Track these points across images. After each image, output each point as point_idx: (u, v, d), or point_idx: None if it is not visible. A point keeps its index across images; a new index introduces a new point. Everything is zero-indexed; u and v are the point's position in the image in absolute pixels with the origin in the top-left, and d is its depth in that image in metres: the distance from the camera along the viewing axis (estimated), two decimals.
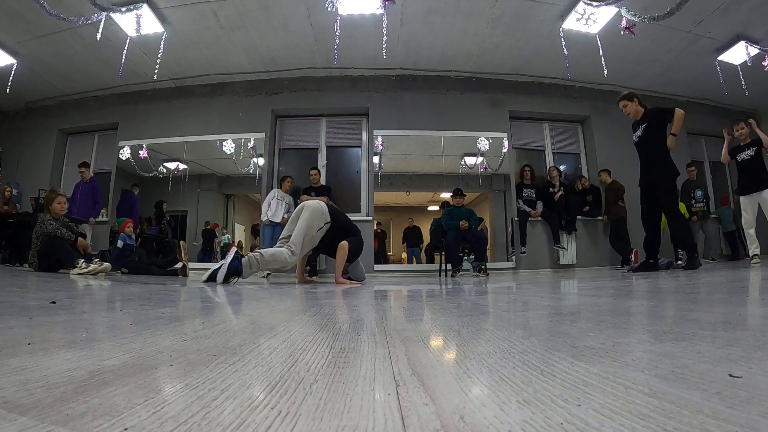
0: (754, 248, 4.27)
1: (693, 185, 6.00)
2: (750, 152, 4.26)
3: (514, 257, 5.92)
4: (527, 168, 6.02)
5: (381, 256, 7.93)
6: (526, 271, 5.84)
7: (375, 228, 6.44)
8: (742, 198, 4.36)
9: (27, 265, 4.07)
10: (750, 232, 4.30)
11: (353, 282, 3.18)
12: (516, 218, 5.96)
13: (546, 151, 6.65)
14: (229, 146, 6.20)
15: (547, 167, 6.46)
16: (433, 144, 6.21)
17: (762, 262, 4.08)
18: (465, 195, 5.22)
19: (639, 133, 3.77)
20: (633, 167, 6.19)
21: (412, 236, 8.25)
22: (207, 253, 6.48)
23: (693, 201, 5.91)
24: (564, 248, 5.80)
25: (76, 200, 5.49)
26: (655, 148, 3.66)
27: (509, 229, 6.18)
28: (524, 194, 5.96)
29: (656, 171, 3.67)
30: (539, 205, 5.89)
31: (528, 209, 5.86)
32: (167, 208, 6.42)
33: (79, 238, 4.11)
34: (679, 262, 4.24)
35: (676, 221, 3.67)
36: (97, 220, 6.12)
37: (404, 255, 8.73)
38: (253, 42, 5.43)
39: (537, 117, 6.58)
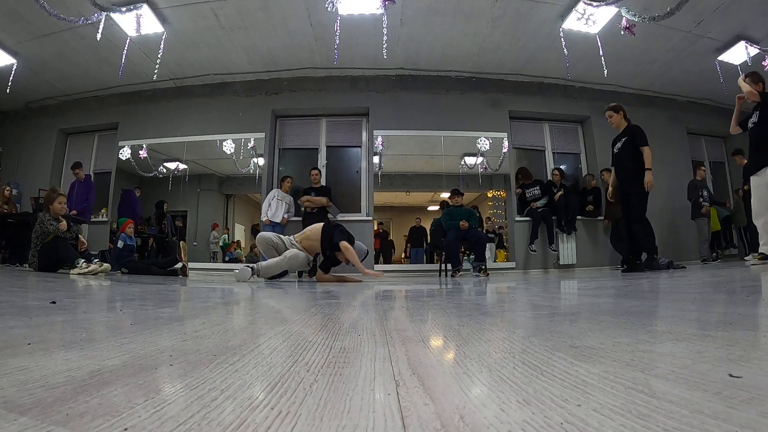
0: (763, 244, 3.45)
1: (700, 185, 5.99)
2: (754, 118, 3.47)
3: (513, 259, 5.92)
4: (520, 173, 6.03)
5: (383, 255, 7.92)
6: (526, 271, 5.84)
7: (376, 228, 6.44)
8: (752, 179, 3.51)
9: (27, 265, 4.07)
10: (758, 223, 3.48)
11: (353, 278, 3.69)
12: (517, 219, 5.96)
13: (546, 151, 6.64)
14: (229, 146, 6.20)
15: (548, 167, 6.46)
16: (433, 144, 6.21)
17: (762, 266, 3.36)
18: (463, 194, 5.21)
19: (620, 145, 4.00)
20: None
21: (416, 236, 8.24)
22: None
23: (701, 200, 5.90)
24: (555, 251, 5.80)
25: (72, 199, 5.47)
26: (634, 162, 3.84)
27: (488, 223, 6.26)
28: (527, 194, 5.95)
29: (632, 182, 3.86)
30: (543, 200, 5.88)
31: (537, 205, 5.85)
32: (169, 208, 6.41)
33: (80, 237, 4.12)
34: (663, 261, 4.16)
35: (640, 224, 3.85)
36: (97, 220, 6.12)
37: (404, 255, 8.72)
38: (253, 42, 5.43)
39: (537, 117, 6.58)
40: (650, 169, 3.74)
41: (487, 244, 6.21)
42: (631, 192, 3.89)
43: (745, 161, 5.60)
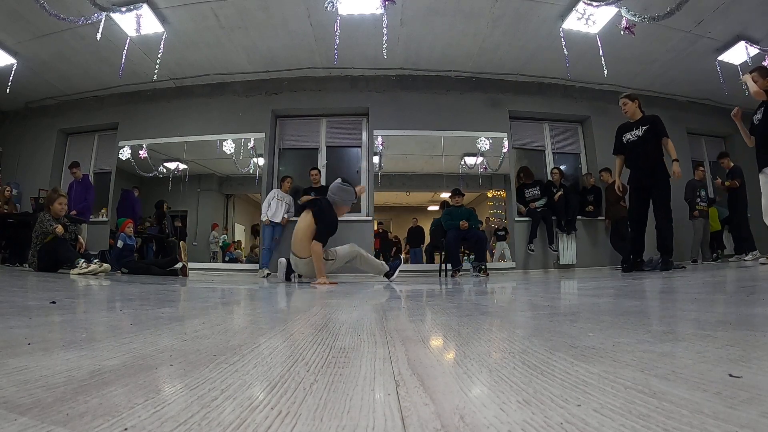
0: None
1: (698, 185, 5.99)
2: (759, 115, 3.47)
3: (513, 259, 5.92)
4: (522, 172, 6.04)
5: (383, 255, 7.92)
6: (526, 271, 5.84)
7: (376, 228, 6.44)
8: (761, 176, 3.42)
9: (27, 265, 4.07)
10: None
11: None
12: (517, 219, 5.97)
13: (546, 151, 6.65)
14: (229, 146, 6.20)
15: (548, 167, 6.46)
16: (433, 144, 6.21)
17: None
18: (464, 195, 5.21)
19: (639, 132, 3.83)
20: None
21: (415, 236, 8.24)
22: None
23: (698, 200, 5.90)
24: (555, 251, 5.80)
25: (71, 199, 5.47)
26: (653, 151, 3.75)
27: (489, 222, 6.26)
28: (527, 194, 5.96)
29: (654, 173, 3.75)
30: (542, 201, 5.89)
31: (536, 205, 5.86)
32: (169, 208, 6.40)
33: (80, 238, 4.12)
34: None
35: (668, 222, 3.73)
36: (97, 220, 6.12)
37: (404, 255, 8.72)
38: (253, 42, 5.43)
39: (537, 117, 6.58)
40: (677, 160, 3.68)
41: (501, 243, 6.23)
42: (655, 186, 3.74)
43: (732, 164, 5.62)
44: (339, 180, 3.61)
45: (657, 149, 3.75)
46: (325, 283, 3.00)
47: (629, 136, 3.91)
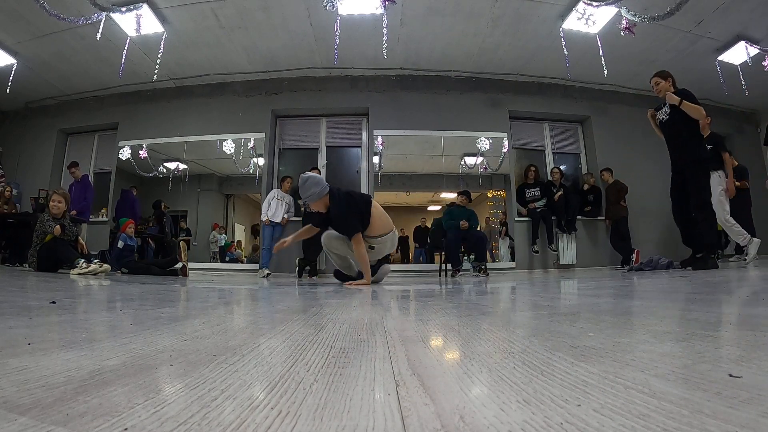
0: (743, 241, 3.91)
1: None
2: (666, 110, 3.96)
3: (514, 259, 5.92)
4: (533, 168, 6.02)
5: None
6: (526, 271, 5.84)
7: None
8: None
9: (27, 265, 4.07)
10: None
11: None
12: (517, 219, 5.97)
13: (546, 151, 6.65)
14: (229, 146, 6.20)
15: (548, 167, 6.47)
16: (433, 144, 6.21)
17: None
18: (471, 199, 5.19)
19: (667, 110, 3.52)
20: (634, 167, 6.20)
21: (421, 236, 8.20)
22: None
23: None
24: (555, 251, 5.80)
25: (71, 198, 5.46)
26: (680, 131, 3.43)
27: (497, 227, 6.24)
28: (527, 194, 5.96)
29: (684, 155, 3.43)
30: (542, 201, 5.90)
31: (536, 206, 5.87)
32: (169, 208, 6.39)
33: (80, 239, 4.12)
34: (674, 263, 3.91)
35: (701, 212, 3.34)
36: (97, 220, 6.12)
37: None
38: (253, 42, 5.43)
39: (537, 117, 6.58)
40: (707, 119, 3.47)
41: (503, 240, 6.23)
42: (686, 167, 3.40)
43: (737, 163, 5.60)
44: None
45: (687, 126, 3.39)
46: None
47: (661, 116, 3.60)
